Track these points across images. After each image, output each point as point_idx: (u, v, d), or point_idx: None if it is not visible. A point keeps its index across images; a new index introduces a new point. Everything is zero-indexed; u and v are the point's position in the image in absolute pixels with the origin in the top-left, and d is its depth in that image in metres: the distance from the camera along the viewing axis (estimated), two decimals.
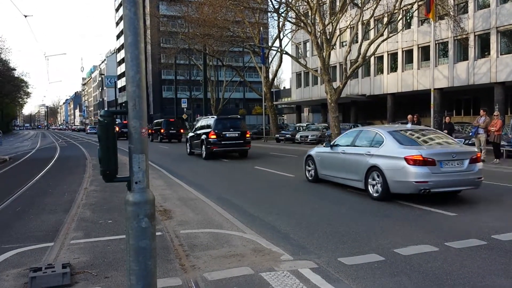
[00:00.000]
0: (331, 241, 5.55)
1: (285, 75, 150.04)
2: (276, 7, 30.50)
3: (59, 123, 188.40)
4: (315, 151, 10.94)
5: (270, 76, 36.78)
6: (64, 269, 4.34)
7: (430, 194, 7.66)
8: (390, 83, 33.47)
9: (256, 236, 5.79)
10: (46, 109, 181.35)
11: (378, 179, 8.17)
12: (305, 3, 25.97)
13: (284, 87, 71.72)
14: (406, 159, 7.62)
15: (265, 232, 6.02)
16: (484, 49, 27.00)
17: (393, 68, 33.57)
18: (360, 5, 24.96)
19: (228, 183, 11.34)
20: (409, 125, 11.67)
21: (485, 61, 26.55)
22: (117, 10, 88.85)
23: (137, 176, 3.04)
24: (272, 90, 39.90)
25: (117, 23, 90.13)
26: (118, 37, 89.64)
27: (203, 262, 4.79)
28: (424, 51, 30.28)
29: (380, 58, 34.14)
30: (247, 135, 18.32)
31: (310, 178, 10.87)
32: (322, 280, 4.20)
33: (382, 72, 34.33)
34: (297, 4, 27.38)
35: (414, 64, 31.33)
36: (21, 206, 8.40)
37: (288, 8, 28.22)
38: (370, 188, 8.39)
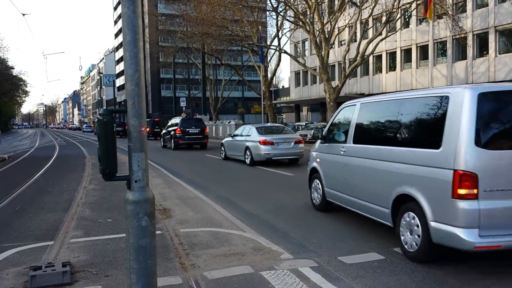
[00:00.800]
0: (331, 240, 5.55)
1: (284, 74, 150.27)
2: (275, 5, 30.45)
3: (58, 121, 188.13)
4: (225, 139, 17.34)
5: (269, 75, 36.72)
6: (64, 268, 4.33)
7: (272, 160, 14.19)
8: (388, 82, 33.50)
9: (256, 235, 5.79)
10: (44, 108, 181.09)
11: (248, 154, 14.75)
12: (304, 2, 25.95)
13: (283, 86, 71.68)
14: (259, 142, 14.24)
15: (264, 231, 6.03)
16: (482, 48, 27.04)
17: (392, 67, 33.60)
18: (358, 4, 24.95)
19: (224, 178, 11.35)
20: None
21: (483, 60, 26.59)
22: (115, 8, 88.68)
23: (137, 175, 3.04)
24: (271, 89, 39.83)
25: (115, 22, 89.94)
26: (116, 35, 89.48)
27: (203, 260, 4.79)
28: (423, 50, 30.31)
29: (379, 57, 34.17)
30: (206, 131, 23.73)
31: (222, 157, 17.07)
32: (322, 279, 4.20)
33: (380, 71, 34.36)
34: (296, 3, 27.35)
35: (412, 63, 31.36)
36: (20, 205, 8.38)
37: (287, 7, 28.19)
38: (246, 160, 14.94)
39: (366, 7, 25.23)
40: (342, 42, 36.05)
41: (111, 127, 3.00)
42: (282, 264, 4.61)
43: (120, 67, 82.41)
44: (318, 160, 7.24)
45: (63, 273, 4.25)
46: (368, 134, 5.83)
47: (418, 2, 24.74)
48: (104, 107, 72.45)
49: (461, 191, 4.00)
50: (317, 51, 25.31)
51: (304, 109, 45.50)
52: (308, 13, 25.66)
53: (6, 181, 12.45)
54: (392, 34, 27.06)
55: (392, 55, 33.41)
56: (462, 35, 26.68)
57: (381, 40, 25.57)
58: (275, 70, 38.26)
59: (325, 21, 26.30)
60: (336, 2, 26.99)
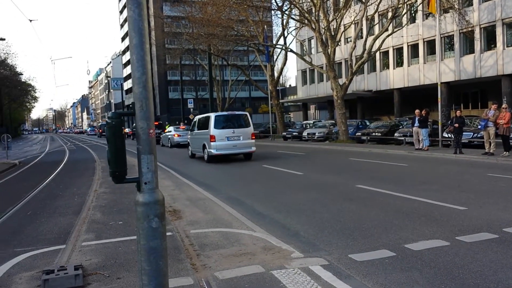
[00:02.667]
0: (341, 238, 5.54)
1: (291, 73, 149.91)
2: (280, 4, 30.44)
3: (67, 126, 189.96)
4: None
5: (276, 74, 36.70)
6: (76, 271, 4.38)
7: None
8: (396, 78, 33.25)
9: (266, 234, 5.80)
10: (54, 113, 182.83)
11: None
12: (309, 0, 25.88)
13: (290, 85, 71.56)
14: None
15: (274, 230, 6.03)
16: (490, 42, 26.70)
17: (399, 63, 33.34)
18: (364, 0, 24.82)
19: (238, 182, 11.36)
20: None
21: (491, 54, 26.27)
22: (121, 12, 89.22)
23: (146, 177, 3.05)
24: (277, 88, 39.82)
25: (122, 25, 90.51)
26: (123, 39, 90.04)
27: (214, 261, 4.80)
28: (430, 45, 30.01)
29: (386, 53, 33.93)
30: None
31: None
32: (333, 276, 4.19)
33: (388, 67, 34.12)
34: (301, 1, 27.30)
35: (420, 59, 31.09)
36: (32, 210, 8.48)
37: (292, 6, 28.16)
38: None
39: (371, 3, 25.10)
40: (348, 39, 35.86)
41: (119, 130, 3.02)
42: (292, 263, 4.60)
43: (128, 70, 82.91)
44: (189, 138, 19.33)
45: (76, 276, 4.29)
46: (198, 126, 17.73)
47: None
48: (113, 111, 73.00)
49: (212, 140, 15.86)
50: (323, 48, 25.23)
51: (312, 108, 45.29)
52: (313, 11, 25.59)
53: (17, 186, 12.60)
54: (399, 29, 26.88)
55: (399, 50, 33.15)
56: (469, 29, 26.37)
57: (388, 36, 25.42)
58: (282, 69, 38.29)
59: (330, 19, 26.22)
60: None
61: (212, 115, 16.43)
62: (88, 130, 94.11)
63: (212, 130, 15.83)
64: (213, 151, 15.85)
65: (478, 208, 6.89)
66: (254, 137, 16.97)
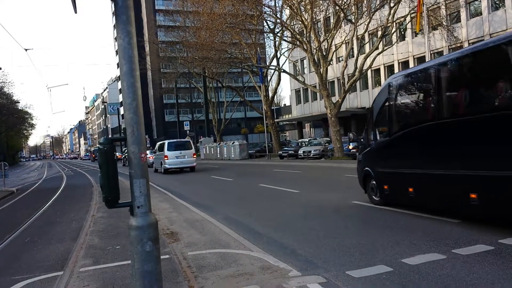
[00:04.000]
0: (338, 255, 5.55)
1: (285, 92, 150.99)
2: (272, 27, 31.01)
3: (65, 152, 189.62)
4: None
5: (270, 94, 37.08)
6: None
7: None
8: None
9: (263, 254, 5.80)
10: (51, 140, 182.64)
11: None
12: (300, 22, 26.41)
13: (285, 104, 72.11)
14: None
15: (272, 249, 6.03)
16: None
17: None
18: (353, 20, 25.35)
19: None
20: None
21: None
22: (116, 39, 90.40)
23: (139, 201, 3.10)
24: (272, 107, 40.14)
25: (117, 52, 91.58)
26: (118, 65, 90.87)
27: (211, 282, 4.79)
28: (420, 62, 30.47)
29: (377, 71, 34.43)
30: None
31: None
32: None
33: (379, 84, 34.52)
34: (292, 24, 27.85)
35: None
36: (30, 237, 8.45)
37: (284, 28, 28.70)
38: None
39: (361, 23, 25.61)
40: (340, 58, 36.41)
41: (111, 156, 3.08)
42: (291, 282, 4.60)
43: None
44: (153, 157, 26.78)
45: None
46: (158, 149, 25.52)
47: (412, 15, 25.12)
48: (110, 135, 73.16)
49: (166, 158, 24.10)
50: (315, 68, 25.60)
51: (307, 126, 45.57)
52: (305, 32, 26.08)
53: (15, 214, 12.54)
54: (389, 47, 27.38)
55: (390, 68, 33.67)
56: (458, 45, 26.91)
57: (378, 54, 25.85)
58: (276, 89, 38.71)
59: (321, 39, 26.71)
60: (332, 20, 27.41)
61: (166, 142, 24.25)
62: (82, 155, 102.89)
63: (166, 151, 23.32)
64: (167, 166, 23.33)
65: (473, 220, 6.92)
66: (195, 156, 25.20)
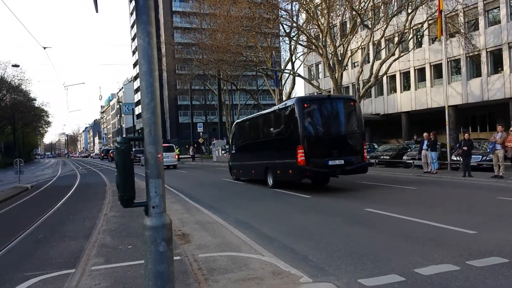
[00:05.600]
0: (350, 262, 5.50)
1: None
2: (288, 31, 31.00)
3: (79, 150, 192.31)
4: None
5: (284, 98, 36.98)
6: None
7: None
8: (403, 101, 33.32)
9: (275, 259, 5.77)
10: (66, 138, 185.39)
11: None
12: (316, 26, 26.36)
13: None
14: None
15: (283, 254, 6.00)
16: (497, 65, 26.77)
17: (406, 86, 33.47)
18: (370, 26, 25.20)
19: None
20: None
21: (498, 77, 26.29)
22: (133, 39, 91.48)
23: (154, 201, 3.11)
24: None
25: (134, 52, 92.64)
26: (134, 65, 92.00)
27: (222, 286, 4.79)
28: (437, 69, 30.17)
29: (393, 77, 34.13)
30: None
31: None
32: None
33: (395, 91, 34.25)
34: (308, 28, 27.80)
35: (427, 82, 31.19)
36: (43, 234, 8.57)
37: (299, 32, 28.65)
38: None
39: (378, 29, 25.45)
40: (355, 64, 36.19)
41: (129, 155, 3.10)
42: None
43: (139, 95, 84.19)
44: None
45: None
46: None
47: (429, 22, 24.87)
48: (124, 135, 74.07)
49: None
50: (330, 73, 25.49)
51: None
52: (321, 37, 26.01)
53: (29, 211, 12.74)
54: (405, 54, 27.13)
55: (406, 74, 33.34)
56: (476, 53, 26.53)
57: (394, 60, 25.63)
58: (290, 93, 38.52)
59: (337, 44, 26.59)
60: (348, 25, 27.29)
61: None
62: (93, 154, 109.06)
63: None
64: None
65: (488, 231, 6.79)
66: (177, 157, 33.10)
